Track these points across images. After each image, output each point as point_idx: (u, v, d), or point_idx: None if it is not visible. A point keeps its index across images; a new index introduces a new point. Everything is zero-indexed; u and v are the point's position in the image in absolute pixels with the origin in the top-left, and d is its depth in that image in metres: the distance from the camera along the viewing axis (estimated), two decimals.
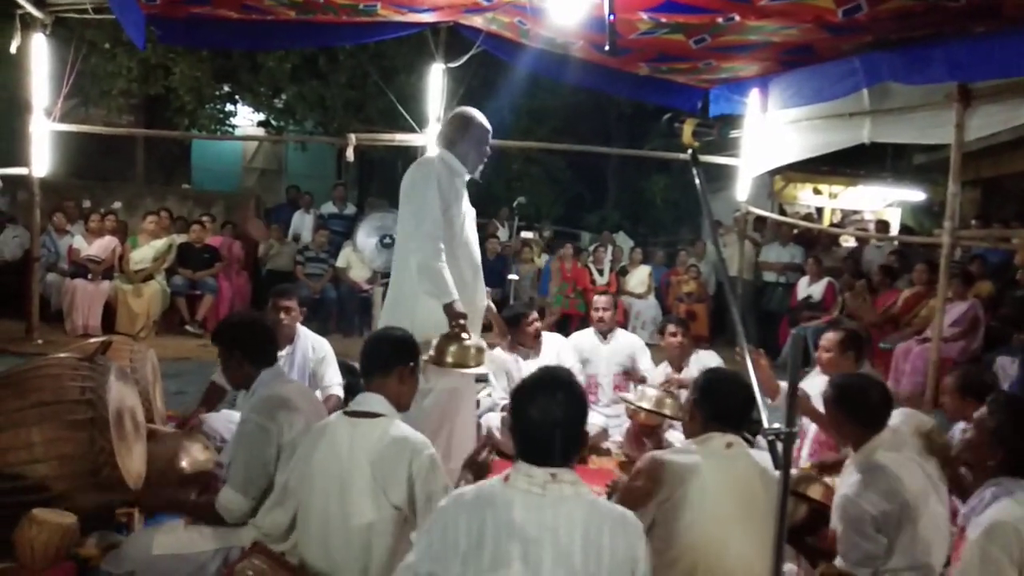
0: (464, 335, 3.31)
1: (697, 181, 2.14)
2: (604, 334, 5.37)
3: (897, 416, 2.97)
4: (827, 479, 3.18)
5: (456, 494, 1.96)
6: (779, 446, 1.79)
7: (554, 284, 9.65)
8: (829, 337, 3.85)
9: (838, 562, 2.67)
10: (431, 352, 3.26)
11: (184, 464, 3.18)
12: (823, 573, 2.74)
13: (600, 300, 5.46)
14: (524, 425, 1.92)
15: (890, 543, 2.63)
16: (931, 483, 2.75)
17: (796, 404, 1.78)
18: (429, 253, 3.34)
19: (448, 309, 3.33)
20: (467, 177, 3.69)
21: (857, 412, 2.84)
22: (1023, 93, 5.27)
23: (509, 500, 1.83)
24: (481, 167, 3.73)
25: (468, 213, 3.68)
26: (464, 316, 3.35)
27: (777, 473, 1.80)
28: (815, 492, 3.13)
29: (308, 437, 2.56)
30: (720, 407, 2.41)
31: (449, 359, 3.29)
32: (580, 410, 1.95)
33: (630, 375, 5.30)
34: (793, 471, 3.26)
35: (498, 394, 4.97)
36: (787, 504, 1.77)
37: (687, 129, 2.18)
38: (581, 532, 1.79)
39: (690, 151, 2.16)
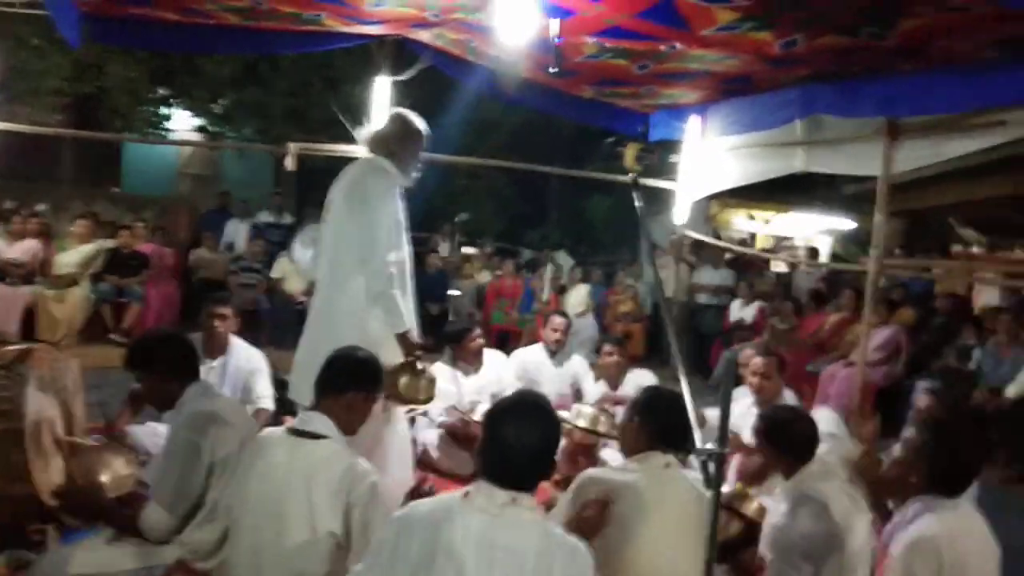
0: (418, 365, 3.23)
1: (637, 204, 2.17)
2: (554, 354, 5.40)
3: (825, 445, 3.06)
4: (754, 495, 3.26)
5: (413, 505, 1.94)
6: (711, 466, 1.81)
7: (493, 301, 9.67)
8: (758, 363, 3.95)
9: None
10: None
11: (105, 479, 3.05)
12: None
13: (557, 321, 5.47)
14: (496, 446, 1.90)
15: (816, 570, 2.70)
16: (857, 510, 2.84)
17: (727, 425, 1.81)
18: (384, 280, 3.19)
19: (403, 339, 3.23)
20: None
21: (786, 445, 2.92)
22: (949, 131, 5.52)
23: (465, 518, 1.82)
24: (415, 176, 3.56)
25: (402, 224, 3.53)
26: (420, 347, 3.27)
27: (709, 492, 1.84)
28: (748, 509, 3.22)
29: (246, 452, 2.47)
30: (666, 427, 2.43)
31: (401, 391, 3.22)
32: (554, 437, 1.96)
33: (576, 399, 5.31)
34: (725, 489, 3.34)
35: (435, 411, 4.92)
36: (718, 522, 1.80)
37: (630, 153, 2.22)
38: (533, 558, 1.79)
39: (631, 175, 2.20)
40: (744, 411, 4.06)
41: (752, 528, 3.12)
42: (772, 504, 3.02)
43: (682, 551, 2.22)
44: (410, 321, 3.27)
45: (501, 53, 5.55)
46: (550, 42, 4.13)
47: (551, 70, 4.03)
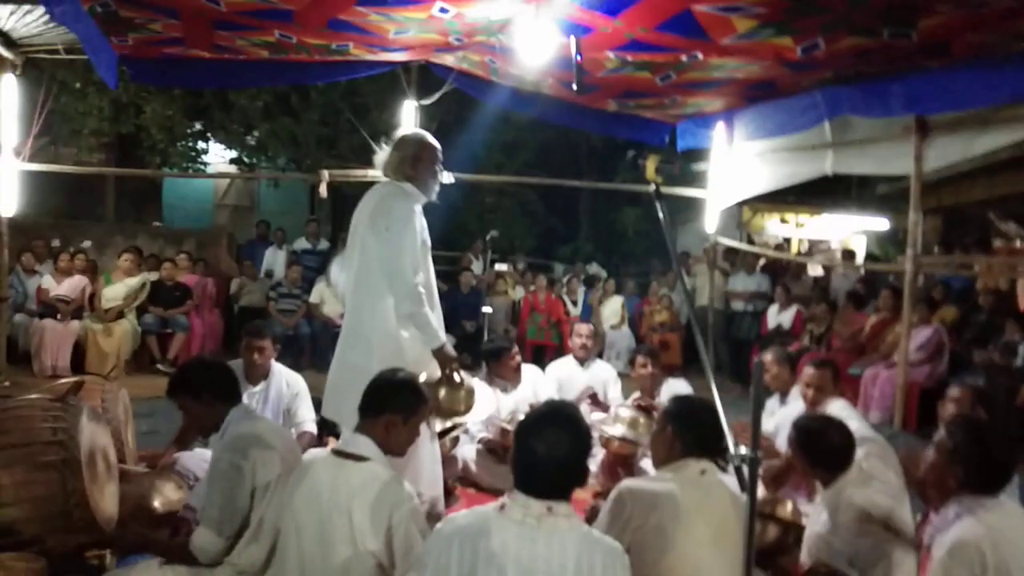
0: (457, 378, 3.28)
1: (660, 214, 2.21)
2: (583, 362, 5.45)
3: (861, 450, 3.03)
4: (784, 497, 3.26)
5: (450, 519, 1.98)
6: (745, 471, 1.83)
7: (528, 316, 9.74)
8: (809, 373, 3.89)
9: None
10: None
11: (157, 504, 3.15)
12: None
13: (583, 328, 5.55)
14: (527, 457, 1.93)
15: (862, 574, 2.69)
16: (901, 510, 2.82)
17: (759, 430, 1.83)
18: (414, 299, 3.24)
19: (439, 354, 3.27)
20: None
21: (820, 455, 2.90)
22: (978, 125, 5.46)
23: (503, 529, 1.85)
24: (437, 188, 3.59)
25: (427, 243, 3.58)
26: (456, 359, 3.33)
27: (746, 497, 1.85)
28: (783, 512, 3.20)
29: (293, 473, 2.53)
30: (699, 434, 2.44)
31: (442, 404, 3.26)
32: (584, 447, 1.98)
33: (598, 403, 5.33)
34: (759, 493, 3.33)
35: (475, 427, 4.97)
36: (755, 527, 1.82)
37: (650, 165, 2.26)
38: (573, 562, 1.81)
39: (653, 186, 2.24)
40: (797, 413, 3.99)
41: (788, 531, 3.11)
42: (812, 511, 3.01)
43: (721, 557, 2.23)
44: (443, 336, 3.33)
45: (523, 72, 5.64)
46: (571, 60, 4.19)
47: (573, 88, 4.07)
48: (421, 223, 3.46)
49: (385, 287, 3.32)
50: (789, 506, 3.25)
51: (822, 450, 2.90)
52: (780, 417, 4.22)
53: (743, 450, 1.84)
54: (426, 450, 3.36)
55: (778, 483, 3.43)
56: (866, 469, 2.94)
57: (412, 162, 3.48)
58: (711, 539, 2.25)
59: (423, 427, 3.35)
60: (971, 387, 3.60)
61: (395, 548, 2.36)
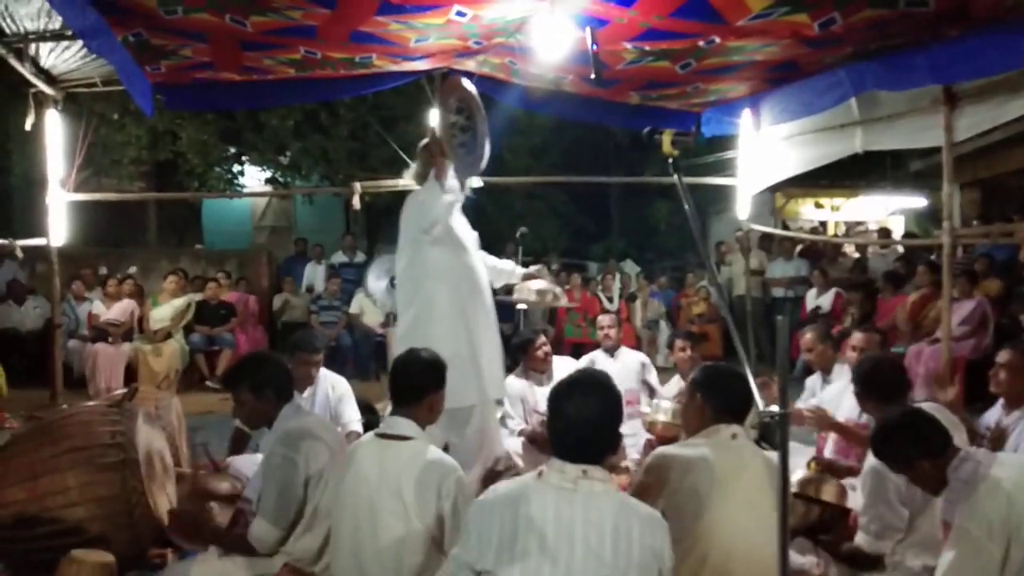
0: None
1: (680, 189, 2.25)
2: (611, 351, 5.51)
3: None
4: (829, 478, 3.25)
5: (491, 489, 2.05)
6: (776, 429, 1.87)
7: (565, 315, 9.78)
8: (858, 337, 3.95)
9: (858, 539, 2.73)
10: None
11: (213, 503, 3.27)
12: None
13: (604, 319, 5.64)
14: (560, 423, 2.00)
15: (912, 518, 2.69)
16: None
17: (787, 388, 1.87)
18: (471, 280, 3.90)
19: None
20: (459, 195, 3.92)
21: (877, 389, 2.94)
22: (1006, 91, 5.38)
23: (542, 494, 1.92)
24: (476, 164, 4.02)
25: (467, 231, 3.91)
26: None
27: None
28: (827, 494, 3.16)
29: (341, 460, 2.65)
30: (727, 400, 2.49)
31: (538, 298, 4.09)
32: (614, 411, 2.04)
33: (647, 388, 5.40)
34: (803, 472, 3.34)
35: (514, 423, 5.05)
36: (788, 484, 1.86)
37: (666, 140, 2.31)
38: (611, 527, 1.86)
39: (670, 160, 2.29)
40: (842, 389, 4.01)
41: (831, 512, 3.08)
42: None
43: (757, 518, 2.26)
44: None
45: (543, 71, 5.71)
46: (588, 54, 4.25)
47: (591, 77, 4.13)
48: (451, 217, 3.75)
49: (431, 279, 3.79)
50: (832, 486, 3.20)
51: (879, 383, 2.99)
52: (824, 395, 4.22)
53: (774, 408, 1.87)
54: (490, 418, 3.71)
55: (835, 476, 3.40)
56: None
57: (428, 165, 3.82)
58: (746, 501, 2.29)
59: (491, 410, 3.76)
60: (1020, 347, 3.57)
61: (446, 519, 2.46)
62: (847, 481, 3.32)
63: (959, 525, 2.18)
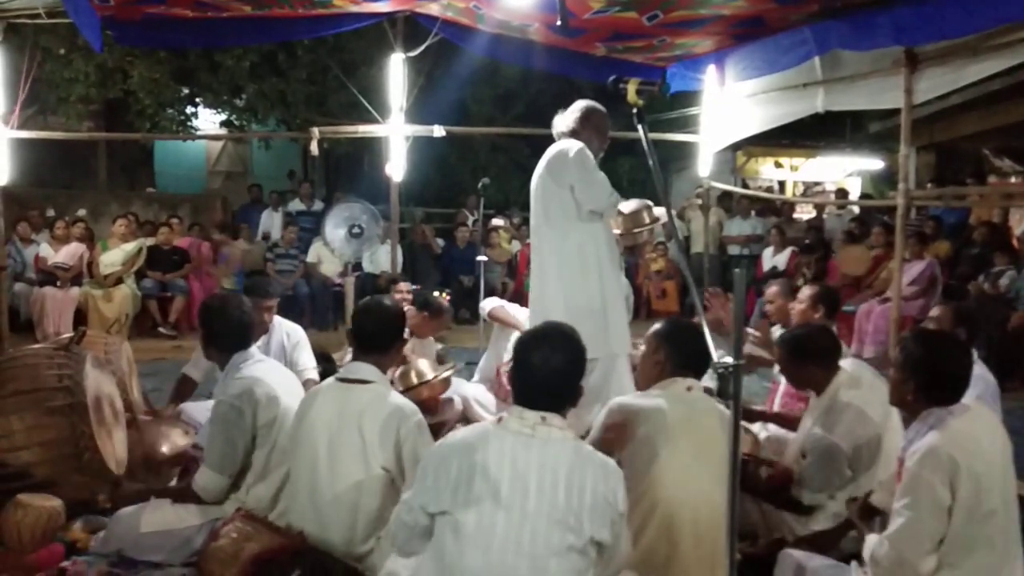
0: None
1: (644, 140, 2.24)
2: None
3: (848, 363, 3.13)
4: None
5: (450, 435, 2.07)
6: (729, 380, 1.89)
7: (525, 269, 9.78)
8: (805, 291, 4.00)
9: (796, 490, 2.83)
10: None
11: (165, 450, 3.24)
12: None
13: None
14: (523, 371, 2.02)
15: (855, 474, 2.80)
16: (889, 412, 2.90)
17: (742, 338, 1.89)
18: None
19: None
20: None
21: (810, 356, 2.99)
22: (967, 55, 5.43)
23: (500, 439, 1.94)
24: (601, 154, 4.13)
25: None
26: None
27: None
28: (743, 445, 3.26)
29: (300, 403, 2.64)
30: (688, 354, 2.51)
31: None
32: (577, 362, 2.05)
33: None
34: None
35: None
36: (740, 436, 1.89)
37: (631, 88, 2.28)
38: (566, 472, 1.89)
39: (635, 109, 2.27)
40: None
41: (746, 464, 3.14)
42: (805, 418, 3.09)
43: (707, 468, 2.31)
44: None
45: (509, 17, 5.60)
46: (554, 1, 4.17)
47: (557, 24, 4.07)
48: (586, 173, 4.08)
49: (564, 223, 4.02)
50: (749, 438, 3.30)
51: (811, 350, 3.02)
52: None
53: (727, 359, 1.89)
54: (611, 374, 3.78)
55: (788, 425, 3.47)
56: (852, 372, 3.04)
57: (581, 121, 4.10)
58: (695, 451, 2.34)
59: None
60: (952, 305, 3.65)
61: (404, 461, 2.48)
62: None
63: (910, 468, 2.25)
